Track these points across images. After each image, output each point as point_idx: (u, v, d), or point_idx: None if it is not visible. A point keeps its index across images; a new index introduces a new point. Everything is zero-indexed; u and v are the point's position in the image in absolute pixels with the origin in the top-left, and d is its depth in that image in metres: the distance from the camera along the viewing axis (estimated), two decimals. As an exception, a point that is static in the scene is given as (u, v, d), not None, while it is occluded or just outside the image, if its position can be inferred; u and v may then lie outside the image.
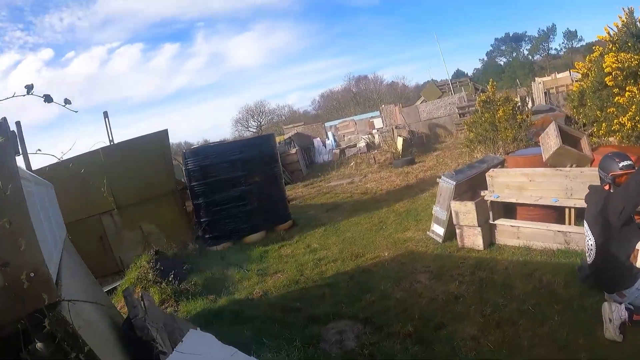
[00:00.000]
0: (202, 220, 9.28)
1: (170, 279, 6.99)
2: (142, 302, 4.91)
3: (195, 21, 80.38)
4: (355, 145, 25.39)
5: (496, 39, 67.25)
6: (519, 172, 6.40)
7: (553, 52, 63.02)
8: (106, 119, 11.55)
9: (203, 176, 9.17)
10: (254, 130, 51.43)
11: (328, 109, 53.66)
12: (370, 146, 25.51)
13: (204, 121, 76.15)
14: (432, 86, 32.48)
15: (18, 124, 6.78)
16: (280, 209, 10.03)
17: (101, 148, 8.83)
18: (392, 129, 23.03)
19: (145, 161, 8.94)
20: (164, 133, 9.01)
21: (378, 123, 27.30)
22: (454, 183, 6.80)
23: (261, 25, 78.72)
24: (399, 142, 19.41)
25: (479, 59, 69.92)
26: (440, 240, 7.01)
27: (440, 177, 7.17)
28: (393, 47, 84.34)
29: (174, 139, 54.36)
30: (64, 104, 2.42)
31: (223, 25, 79.42)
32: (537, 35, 64.01)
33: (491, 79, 15.55)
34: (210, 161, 9.17)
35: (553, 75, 28.53)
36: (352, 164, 19.63)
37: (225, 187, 9.21)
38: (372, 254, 7.33)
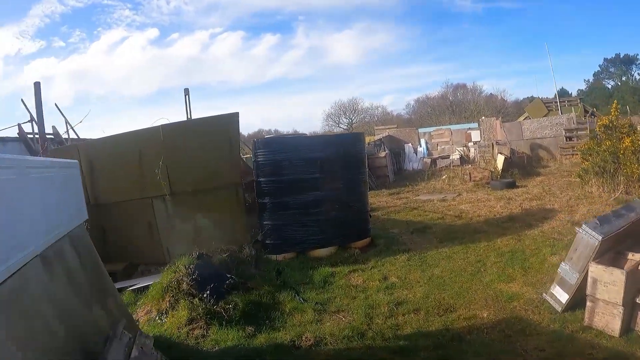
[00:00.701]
0: (265, 222, 7.57)
1: (206, 294, 5.38)
2: (130, 346, 3.24)
3: (296, 14, 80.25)
4: (448, 157, 22.83)
5: (605, 60, 59.48)
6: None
7: (667, 79, 54.71)
8: (186, 97, 10.28)
9: (273, 172, 7.44)
10: (345, 128, 49.75)
11: (422, 114, 50.78)
12: (464, 160, 22.90)
13: (296, 112, 76.31)
14: (538, 102, 28.65)
15: (37, 84, 5.44)
16: (359, 223, 8.05)
17: (162, 125, 7.41)
18: (492, 144, 20.22)
19: (208, 146, 7.38)
20: (234, 117, 7.38)
21: (475, 136, 24.48)
22: (600, 238, 4.62)
23: (361, 25, 76.89)
24: (500, 160, 16.67)
25: (584, 80, 62.13)
26: (560, 310, 4.92)
27: (581, 227, 4.91)
28: (493, 58, 78.51)
29: (264, 125, 54.27)
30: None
31: (323, 21, 78.45)
32: (651, 59, 55.90)
33: (615, 101, 12.72)
34: (285, 156, 7.41)
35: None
36: (444, 177, 17.16)
37: (298, 189, 7.43)
38: (466, 309, 5.26)
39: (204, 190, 7.45)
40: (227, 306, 5.30)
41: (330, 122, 51.80)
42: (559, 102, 27.43)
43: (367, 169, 8.27)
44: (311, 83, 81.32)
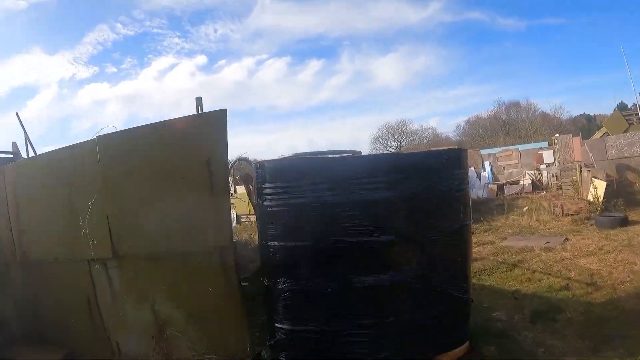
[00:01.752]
0: (278, 324, 3.90)
1: None
2: None
3: (340, 39, 79.15)
4: (517, 182, 18.74)
5: (663, 70, 52.97)
6: None
7: None
8: (198, 107, 7.01)
9: (293, 230, 3.83)
10: (393, 151, 45.82)
11: (472, 136, 46.36)
12: (536, 185, 18.74)
13: (342, 136, 73.45)
14: (618, 115, 23.61)
15: None
16: (454, 320, 4.10)
17: (99, 137, 4.06)
18: (580, 167, 16.04)
19: (173, 175, 3.91)
20: (215, 120, 3.78)
21: (548, 157, 20.29)
22: None
23: (404, 48, 74.46)
24: (601, 187, 12.50)
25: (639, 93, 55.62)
26: None
27: None
28: (539, 76, 73.00)
29: (310, 149, 51.23)
30: None
31: (367, 45, 76.88)
32: None
33: None
34: (315, 197, 3.71)
35: None
36: (524, 209, 13.16)
37: (342, 265, 3.76)
38: None
39: (167, 256, 3.97)
40: None
41: (378, 145, 47.85)
42: (640, 114, 22.70)
43: (470, 218, 4.34)
44: (357, 107, 79.02)
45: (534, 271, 6.97)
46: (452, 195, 3.92)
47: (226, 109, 3.66)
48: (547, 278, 6.60)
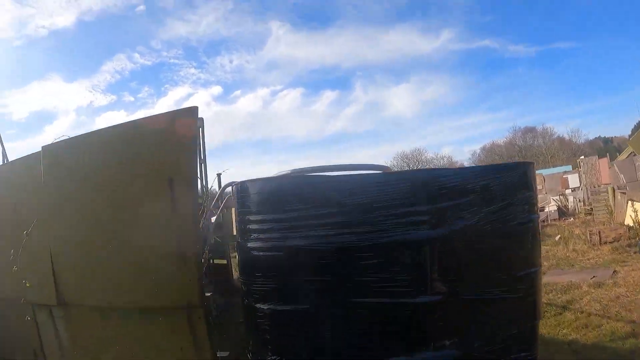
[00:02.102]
0: None
1: None
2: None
3: (354, 70, 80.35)
4: (543, 209, 17.59)
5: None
6: None
7: None
8: (200, 129, 6.20)
9: (288, 284, 2.60)
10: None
11: (487, 163, 45.44)
12: (562, 211, 17.59)
13: (357, 166, 73.10)
14: None
15: None
16: None
17: (43, 147, 3.18)
18: (613, 189, 14.89)
19: (126, 198, 2.90)
20: (185, 118, 2.70)
21: (573, 181, 19.15)
22: None
23: (416, 77, 75.41)
24: (641, 211, 11.34)
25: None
26: None
27: None
28: (552, 102, 73.05)
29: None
30: None
31: (380, 75, 77.77)
32: None
33: None
34: (321, 235, 2.43)
35: None
36: (557, 237, 11.98)
37: (368, 340, 2.49)
38: None
39: (120, 311, 2.98)
40: None
41: (393, 175, 47.73)
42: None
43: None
44: (371, 136, 79.48)
45: (589, 314, 5.79)
46: (521, 228, 2.64)
47: (197, 107, 2.67)
48: (607, 323, 5.41)
